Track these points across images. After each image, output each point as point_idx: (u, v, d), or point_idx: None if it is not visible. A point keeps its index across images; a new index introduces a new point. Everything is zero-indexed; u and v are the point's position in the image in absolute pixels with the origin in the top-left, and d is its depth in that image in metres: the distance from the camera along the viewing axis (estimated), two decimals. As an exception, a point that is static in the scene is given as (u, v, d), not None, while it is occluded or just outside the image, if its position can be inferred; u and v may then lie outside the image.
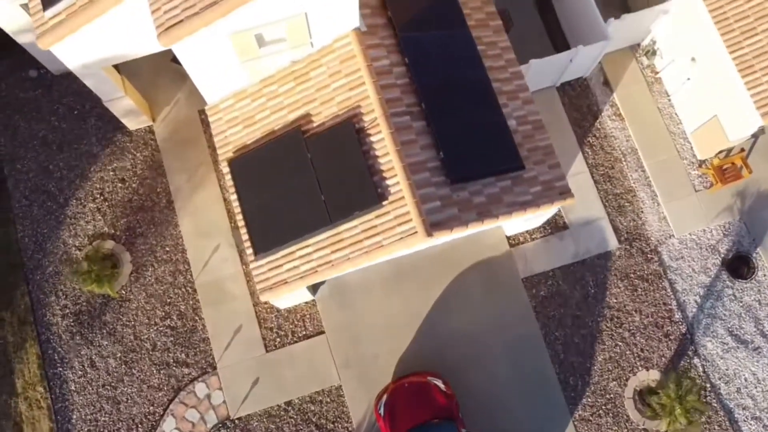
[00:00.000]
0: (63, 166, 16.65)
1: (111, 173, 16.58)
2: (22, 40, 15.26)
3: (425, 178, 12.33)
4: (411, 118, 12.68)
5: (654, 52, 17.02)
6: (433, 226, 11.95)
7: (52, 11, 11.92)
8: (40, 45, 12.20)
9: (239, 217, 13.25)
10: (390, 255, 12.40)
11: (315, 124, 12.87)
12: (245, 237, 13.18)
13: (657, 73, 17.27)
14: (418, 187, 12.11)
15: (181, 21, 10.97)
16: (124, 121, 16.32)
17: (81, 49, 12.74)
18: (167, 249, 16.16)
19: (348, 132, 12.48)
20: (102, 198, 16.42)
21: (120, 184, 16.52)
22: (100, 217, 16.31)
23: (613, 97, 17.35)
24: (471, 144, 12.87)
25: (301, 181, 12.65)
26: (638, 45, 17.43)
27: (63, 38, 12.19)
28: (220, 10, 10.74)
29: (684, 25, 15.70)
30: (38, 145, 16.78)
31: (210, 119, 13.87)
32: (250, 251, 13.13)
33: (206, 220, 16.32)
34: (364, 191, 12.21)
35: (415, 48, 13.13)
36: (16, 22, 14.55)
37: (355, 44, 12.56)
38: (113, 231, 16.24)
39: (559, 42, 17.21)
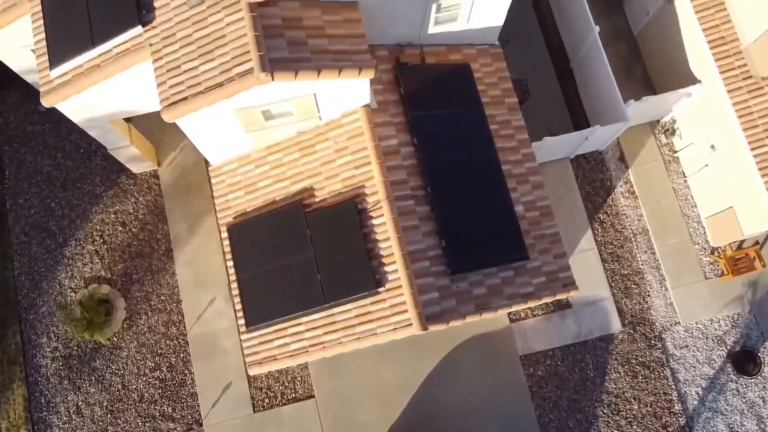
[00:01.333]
0: (65, 205, 16.51)
1: (112, 216, 16.41)
2: (30, 79, 15.13)
3: (425, 268, 12.01)
4: (415, 203, 12.37)
5: (673, 132, 16.56)
6: (429, 319, 11.63)
7: (58, 71, 11.73)
8: (44, 102, 12.01)
9: (234, 285, 13.02)
10: (383, 341, 12.10)
11: (317, 199, 12.60)
12: (239, 307, 12.95)
13: (675, 152, 16.82)
14: (416, 276, 11.79)
15: (185, 98, 10.74)
16: (128, 165, 16.15)
17: (85, 107, 12.55)
18: (162, 298, 15.96)
19: (350, 212, 12.19)
20: (101, 240, 16.26)
21: (120, 228, 16.34)
22: (97, 260, 16.14)
23: (627, 174, 16.92)
24: (475, 232, 12.53)
25: (298, 256, 12.38)
26: (657, 121, 16.98)
27: (67, 98, 12.01)
28: (225, 93, 10.48)
29: (707, 111, 15.24)
30: (42, 181, 16.66)
31: (212, 180, 13.65)
32: (242, 322, 12.89)
33: (204, 271, 16.09)
34: (361, 275, 11.91)
35: (425, 127, 12.81)
36: (25, 64, 14.39)
37: (363, 122, 12.27)
38: (110, 275, 16.06)
39: (578, 112, 16.79)
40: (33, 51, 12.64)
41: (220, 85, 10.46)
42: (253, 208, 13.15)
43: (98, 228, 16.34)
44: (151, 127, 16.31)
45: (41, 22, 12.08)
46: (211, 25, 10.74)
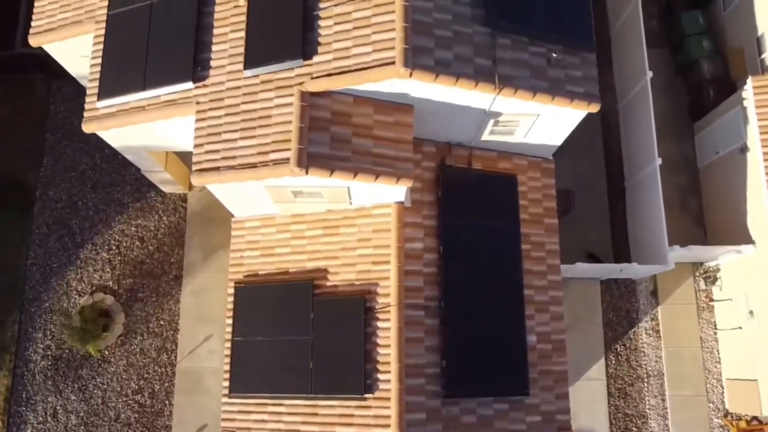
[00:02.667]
0: (91, 206, 16.56)
1: (133, 229, 16.39)
2: (85, 82, 15.15)
3: (419, 385, 11.57)
4: (425, 314, 11.92)
5: (714, 280, 15.75)
6: (409, 441, 11.22)
7: (104, 103, 11.65)
8: (85, 129, 11.97)
9: (227, 345, 12.79)
10: (360, 445, 11.71)
11: (328, 283, 12.25)
12: (226, 369, 12.72)
13: (711, 301, 15.99)
14: (408, 392, 11.37)
15: (217, 169, 10.53)
16: (159, 186, 16.10)
17: (124, 137, 12.48)
18: (161, 322, 15.86)
19: (357, 307, 11.81)
20: (117, 251, 16.25)
21: (138, 243, 16.31)
22: (108, 270, 16.14)
23: (656, 310, 16.15)
24: (479, 357, 12.02)
25: (296, 337, 12.06)
26: (701, 264, 16.18)
27: (108, 129, 11.96)
28: (257, 175, 10.24)
29: (753, 275, 14.41)
30: (75, 177, 16.74)
31: (232, 232, 13.44)
32: (226, 384, 12.66)
33: (208, 306, 15.94)
34: (352, 377, 11.53)
35: (455, 237, 12.36)
36: (82, 71, 14.36)
37: (393, 219, 11.87)
38: (117, 287, 16.04)
39: (621, 236, 16.09)
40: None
41: (253, 166, 10.22)
42: (265, 272, 12.89)
43: (117, 238, 16.34)
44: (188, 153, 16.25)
45: (101, 48, 12.04)
46: (260, 102, 10.51)
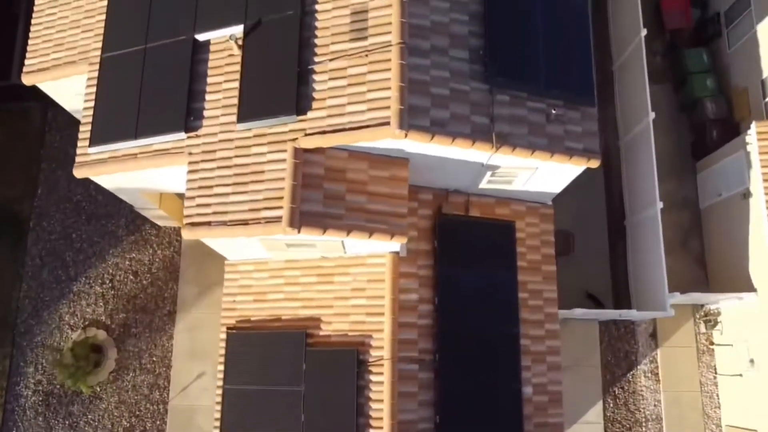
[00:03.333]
0: (85, 239, 16.38)
1: (127, 263, 16.21)
2: (80, 116, 14.99)
3: (411, 442, 11.39)
4: (419, 367, 11.72)
5: (715, 324, 15.52)
6: (399, 500, 11.01)
7: (96, 149, 11.46)
8: (76, 174, 11.78)
9: (218, 391, 12.59)
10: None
11: (321, 333, 12.05)
12: (217, 415, 12.53)
13: (712, 344, 15.76)
14: (399, 449, 11.19)
15: (209, 223, 10.34)
16: (154, 221, 15.93)
17: (117, 182, 12.31)
18: (154, 359, 15.67)
19: (350, 360, 11.60)
20: (110, 285, 16.06)
21: (132, 277, 16.12)
22: (102, 304, 15.96)
23: (656, 353, 15.91)
24: (474, 411, 11.81)
25: (288, 388, 11.85)
26: (701, 306, 15.94)
27: (99, 175, 11.78)
28: (249, 231, 10.05)
29: (754, 323, 14.17)
30: (70, 209, 16.56)
31: (225, 275, 13.23)
32: (217, 425, 12.47)
33: (201, 343, 15.75)
34: (345, 431, 11.35)
35: (451, 288, 12.15)
36: (75, 106, 14.18)
37: (388, 270, 11.67)
38: (109, 322, 15.86)
39: (621, 278, 15.85)
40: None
41: (245, 223, 10.03)
42: (258, 318, 12.69)
43: (110, 271, 16.16)
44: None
45: (93, 92, 11.86)
46: (253, 156, 10.32)
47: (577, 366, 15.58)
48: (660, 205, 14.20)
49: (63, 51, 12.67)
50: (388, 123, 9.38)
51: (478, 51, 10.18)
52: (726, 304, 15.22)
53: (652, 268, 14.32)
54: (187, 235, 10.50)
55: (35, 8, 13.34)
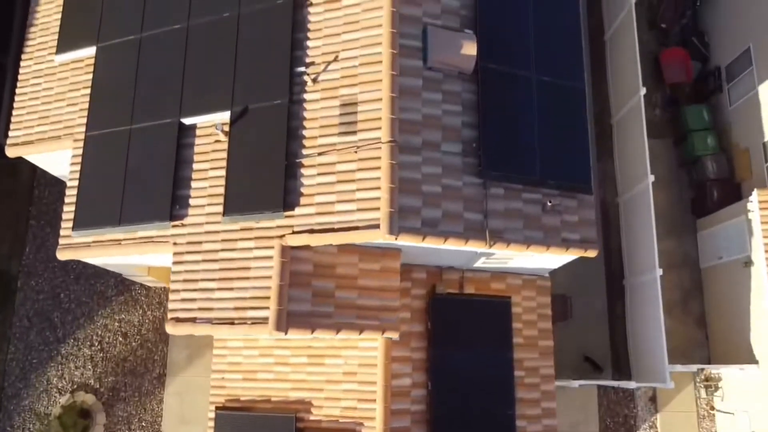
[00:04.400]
0: (73, 299, 16.08)
1: (116, 324, 15.91)
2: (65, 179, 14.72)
3: None
4: (412, 457, 11.44)
5: (716, 390, 15.20)
6: None
7: (79, 233, 11.16)
8: (59, 256, 11.49)
9: (208, 473, 12.32)
10: None
11: (312, 417, 11.72)
12: (206, 498, 12.26)
13: (713, 409, 15.45)
14: None
15: (194, 319, 10.04)
16: (143, 283, 15.64)
17: (103, 261, 12.02)
18: (143, 424, 15.38)
19: (340, 449, 11.33)
20: (99, 347, 15.77)
21: (121, 339, 15.82)
22: (90, 367, 15.66)
23: (655, 417, 15.60)
24: (468, 501, 11.54)
25: (277, 475, 11.59)
26: (701, 370, 15.63)
27: (83, 258, 11.50)
28: (235, 331, 9.75)
29: (756, 395, 13.85)
30: (58, 267, 16.25)
31: (214, 351, 12.89)
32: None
33: (191, 406, 15.45)
34: None
35: (444, 370, 11.81)
36: (63, 173, 13.93)
37: (380, 354, 11.27)
38: (98, 386, 15.56)
39: (620, 341, 15.53)
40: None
41: (231, 322, 9.73)
42: (247, 398, 12.35)
43: (99, 333, 15.86)
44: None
45: (78, 171, 11.56)
46: (239, 251, 10.01)
47: (575, 431, 15.28)
48: (659, 272, 13.89)
49: (48, 125, 12.35)
50: (377, 226, 9.07)
51: (471, 143, 9.88)
52: (727, 371, 14.91)
53: (652, 336, 14.00)
54: (171, 330, 10.20)
55: (20, 77, 13.04)
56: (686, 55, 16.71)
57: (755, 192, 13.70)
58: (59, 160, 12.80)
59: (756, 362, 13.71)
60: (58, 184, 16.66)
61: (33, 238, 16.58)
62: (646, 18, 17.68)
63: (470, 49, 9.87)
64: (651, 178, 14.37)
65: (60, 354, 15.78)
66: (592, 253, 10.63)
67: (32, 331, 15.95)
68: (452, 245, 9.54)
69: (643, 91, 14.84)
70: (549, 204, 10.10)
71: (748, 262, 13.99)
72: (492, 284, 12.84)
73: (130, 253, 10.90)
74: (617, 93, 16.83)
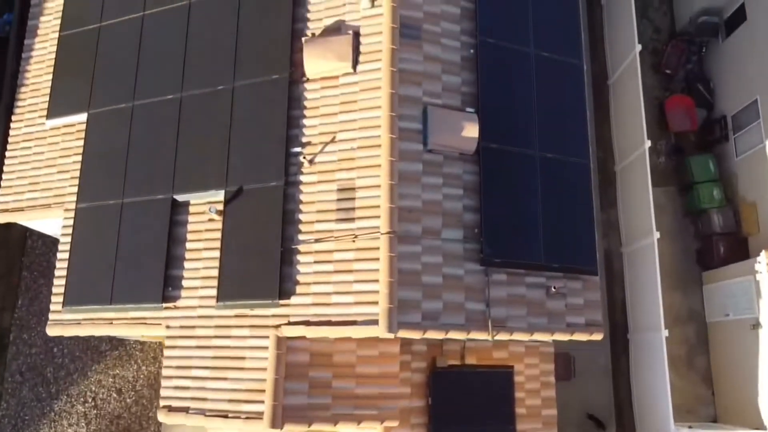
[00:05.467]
0: (67, 353, 15.76)
1: (110, 380, 15.59)
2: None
3: None
4: None
5: (723, 450, 14.90)
6: None
7: (70, 311, 10.85)
8: (48, 332, 11.20)
9: None
10: None
11: (309, 496, 11.44)
12: None
13: (719, 469, 15.15)
14: None
15: (186, 409, 9.73)
16: (138, 339, 15.36)
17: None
18: (138, 483, 15.11)
19: None
20: (93, 404, 15.45)
21: (115, 395, 15.50)
22: (84, 425, 15.33)
23: (660, 476, 15.30)
24: None
25: None
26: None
27: (73, 334, 11.17)
28: (229, 423, 9.43)
29: (764, 459, 13.56)
30: (51, 321, 15.96)
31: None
32: None
33: (187, 465, 15.17)
34: None
35: (445, 450, 11.53)
36: (57, 232, 13.66)
37: (379, 436, 11.06)
38: (92, 444, 15.28)
39: (624, 397, 15.21)
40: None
41: (224, 415, 9.41)
42: (243, 471, 12.10)
43: (93, 389, 15.54)
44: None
45: (68, 243, 11.26)
46: (234, 338, 9.71)
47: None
48: (665, 333, 13.58)
49: (38, 191, 12.03)
50: (376, 322, 8.76)
51: (473, 228, 9.56)
52: None
53: (657, 394, 13.69)
54: (163, 419, 9.92)
55: (10, 139, 12.71)
56: (691, 103, 16.38)
57: (763, 253, 13.36)
58: (50, 222, 12.52)
59: (764, 428, 13.39)
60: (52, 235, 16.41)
61: (26, 289, 16.26)
62: (650, 62, 17.37)
63: (472, 130, 9.57)
64: (656, 235, 14.06)
65: (53, 411, 15.46)
66: (597, 337, 10.32)
67: (25, 386, 15.63)
68: (453, 337, 9.22)
69: (647, 144, 14.54)
70: (553, 289, 9.79)
71: (756, 325, 13.66)
72: (494, 353, 12.47)
73: (122, 332, 10.61)
74: (621, 140, 16.52)
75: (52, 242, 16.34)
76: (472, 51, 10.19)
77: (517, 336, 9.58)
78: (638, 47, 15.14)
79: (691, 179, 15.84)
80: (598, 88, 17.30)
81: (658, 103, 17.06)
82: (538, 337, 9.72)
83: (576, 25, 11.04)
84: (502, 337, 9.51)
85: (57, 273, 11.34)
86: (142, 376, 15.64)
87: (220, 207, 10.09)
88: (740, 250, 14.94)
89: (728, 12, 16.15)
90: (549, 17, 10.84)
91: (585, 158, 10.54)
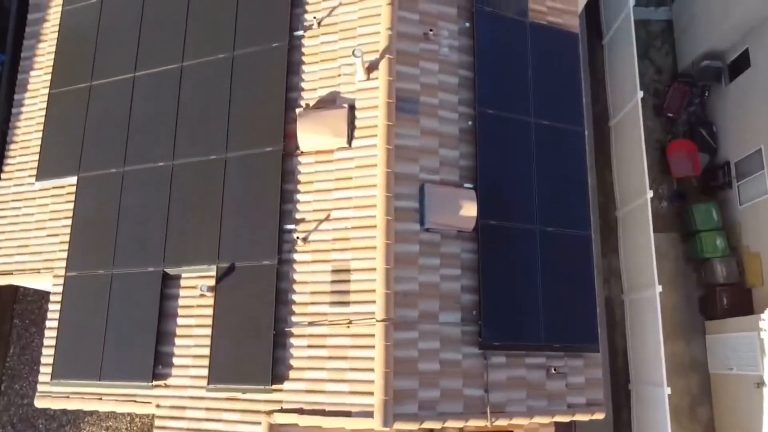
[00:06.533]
0: (59, 404, 15.52)
1: (103, 431, 15.34)
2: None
3: None
4: None
5: (726, 506, 14.63)
6: None
7: (59, 384, 10.58)
8: (37, 404, 10.94)
9: None
10: None
11: None
12: None
13: None
14: None
15: (176, 494, 9.48)
16: (130, 393, 15.08)
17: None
18: None
19: None
20: (85, 457, 15.23)
21: (108, 447, 15.29)
22: (75, 479, 15.12)
23: None
24: None
25: None
26: (711, 482, 15.07)
27: (61, 407, 10.90)
28: None
29: None
30: (43, 370, 15.69)
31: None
32: None
33: None
34: None
35: None
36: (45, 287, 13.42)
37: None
38: (84, 499, 15.01)
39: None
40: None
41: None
42: None
43: (86, 441, 15.32)
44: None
45: (58, 309, 11.00)
46: (224, 422, 9.44)
47: None
48: (668, 390, 13.32)
49: (27, 254, 11.74)
50: (371, 414, 8.48)
51: (471, 310, 9.30)
52: (737, 488, 14.34)
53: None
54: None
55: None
56: (694, 148, 16.11)
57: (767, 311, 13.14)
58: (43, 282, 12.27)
59: (768, 489, 13.16)
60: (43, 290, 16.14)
61: (17, 338, 15.97)
62: (652, 104, 17.11)
63: (471, 209, 9.30)
64: (659, 288, 13.81)
65: (45, 464, 15.23)
66: (599, 416, 10.05)
67: (16, 438, 15.40)
68: (451, 426, 8.96)
69: (650, 194, 14.29)
70: (554, 371, 9.53)
71: (760, 383, 13.41)
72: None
73: (111, 408, 10.33)
74: (622, 185, 16.25)
75: (45, 291, 16.08)
76: (470, 123, 9.93)
77: (517, 421, 9.30)
78: (640, 94, 14.90)
79: (694, 227, 15.58)
80: (599, 130, 17.06)
81: (660, 146, 16.81)
82: (539, 420, 9.44)
83: (577, 90, 10.77)
84: (502, 422, 9.23)
85: (46, 342, 11.07)
86: (135, 428, 15.35)
87: (212, 283, 9.83)
88: (744, 302, 14.69)
89: (731, 56, 15.91)
90: (549, 83, 10.58)
91: (586, 230, 10.27)
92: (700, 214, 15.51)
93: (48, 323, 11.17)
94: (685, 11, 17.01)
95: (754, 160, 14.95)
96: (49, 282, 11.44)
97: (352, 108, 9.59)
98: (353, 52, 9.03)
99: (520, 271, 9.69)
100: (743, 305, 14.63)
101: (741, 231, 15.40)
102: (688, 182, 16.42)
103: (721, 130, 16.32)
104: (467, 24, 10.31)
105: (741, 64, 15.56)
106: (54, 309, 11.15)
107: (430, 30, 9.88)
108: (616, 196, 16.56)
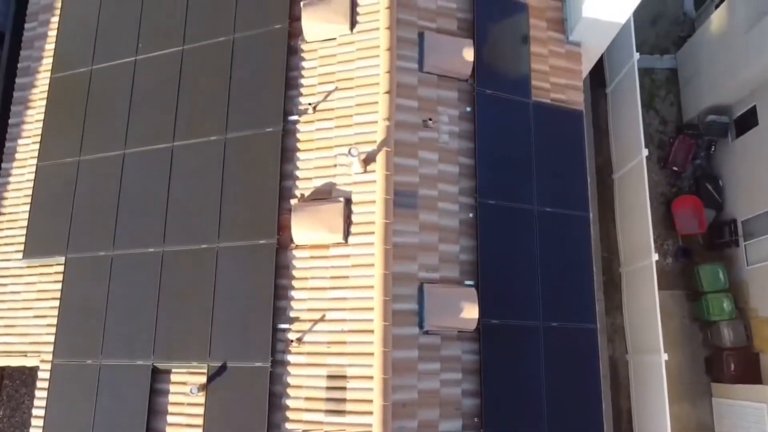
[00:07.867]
0: (50, 469, 15.15)
1: (95, 498, 14.98)
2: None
3: None
4: None
5: None
6: None
7: (45, 478, 10.26)
8: (24, 497, 10.59)
9: None
10: None
11: None
12: None
13: None
14: None
15: None
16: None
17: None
18: None
19: None
20: None
21: None
22: None
23: None
24: None
25: None
26: None
27: (50, 500, 10.55)
28: None
29: None
30: (34, 433, 15.34)
31: None
32: None
33: None
34: None
35: None
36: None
37: None
38: None
39: None
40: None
41: None
42: None
43: None
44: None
45: (44, 397, 10.62)
46: None
47: None
48: (670, 436, 13.00)
49: (15, 335, 11.39)
50: None
51: (473, 417, 8.94)
52: None
53: None
54: None
55: (-14, 274, 12.11)
56: (699, 205, 15.73)
57: (777, 386, 12.80)
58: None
59: None
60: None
61: (7, 399, 15.60)
62: (657, 156, 16.75)
63: (471, 310, 8.94)
64: (665, 356, 13.44)
65: None
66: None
67: (6, 504, 15.04)
68: None
69: (655, 257, 13.93)
70: (557, 476, 9.19)
71: (769, 458, 13.09)
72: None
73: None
74: (626, 241, 15.86)
75: (35, 348, 15.72)
76: (471, 215, 9.57)
77: None
78: (645, 152, 14.53)
79: (701, 289, 15.20)
80: (603, 183, 16.69)
81: (665, 200, 16.45)
82: None
83: (582, 173, 10.42)
84: None
85: (33, 423, 10.71)
86: (127, 494, 15.01)
87: (203, 380, 9.47)
88: (752, 366, 14.34)
89: (738, 111, 15.53)
90: (553, 167, 10.22)
91: (591, 323, 9.93)
92: (707, 276, 15.12)
93: (34, 411, 10.81)
94: (690, 62, 16.64)
95: (762, 221, 14.57)
96: (36, 364, 11.09)
97: (348, 202, 9.23)
98: (349, 151, 8.67)
99: (523, 371, 9.34)
100: (751, 370, 14.27)
101: (748, 291, 15.02)
102: (694, 239, 16.06)
103: (728, 185, 15.94)
104: (468, 108, 9.96)
105: (748, 120, 15.18)
106: (41, 396, 10.79)
107: (429, 119, 9.52)
108: (620, 251, 16.21)
